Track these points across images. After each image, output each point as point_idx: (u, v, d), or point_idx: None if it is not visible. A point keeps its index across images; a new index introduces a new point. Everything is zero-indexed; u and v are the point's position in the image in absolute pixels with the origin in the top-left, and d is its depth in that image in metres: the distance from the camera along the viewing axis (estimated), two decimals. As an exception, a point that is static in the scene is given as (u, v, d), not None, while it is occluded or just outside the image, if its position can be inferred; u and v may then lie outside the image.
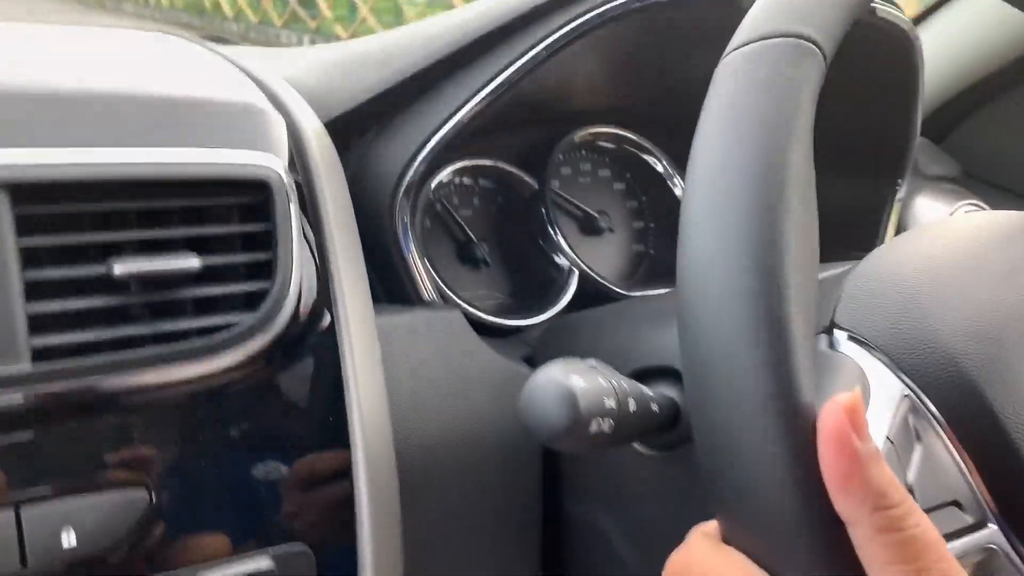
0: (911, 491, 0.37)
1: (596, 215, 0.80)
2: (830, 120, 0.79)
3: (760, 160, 0.32)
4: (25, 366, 0.40)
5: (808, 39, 0.35)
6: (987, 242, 0.47)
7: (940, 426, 0.38)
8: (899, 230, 0.85)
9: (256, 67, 0.58)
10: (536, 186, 0.75)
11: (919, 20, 0.97)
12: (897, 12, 0.69)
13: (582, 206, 0.80)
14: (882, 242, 0.81)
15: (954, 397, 0.38)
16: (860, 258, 0.48)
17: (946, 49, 0.98)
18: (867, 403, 0.39)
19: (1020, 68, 0.94)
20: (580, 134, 0.78)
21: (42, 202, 0.41)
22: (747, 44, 0.35)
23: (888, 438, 0.38)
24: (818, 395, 0.37)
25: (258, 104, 0.51)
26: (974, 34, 0.96)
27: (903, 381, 0.39)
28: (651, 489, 0.53)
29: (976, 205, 0.91)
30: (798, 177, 0.33)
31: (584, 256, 0.75)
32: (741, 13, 0.39)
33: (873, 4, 0.66)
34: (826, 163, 0.81)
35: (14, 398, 0.40)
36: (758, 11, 0.37)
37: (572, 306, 0.73)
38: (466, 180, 0.75)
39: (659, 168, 0.81)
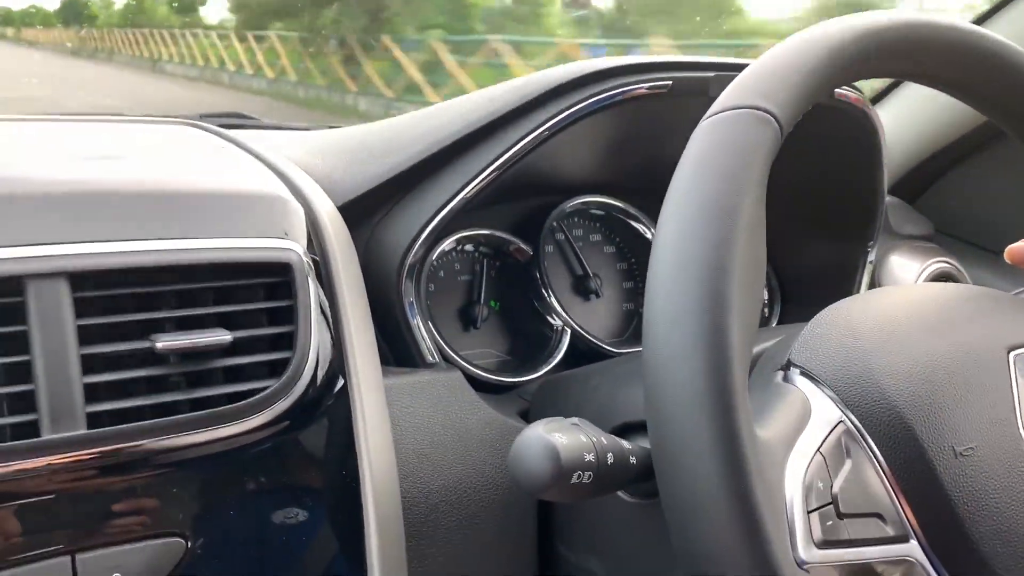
0: (835, 499, 0.43)
1: (589, 277, 0.86)
2: (805, 189, 0.87)
3: (715, 207, 0.40)
4: (82, 431, 0.46)
5: (766, 111, 0.42)
6: (926, 304, 0.53)
7: (870, 449, 0.44)
8: (874, 288, 0.91)
9: (273, 155, 0.65)
10: (531, 252, 0.82)
11: (889, 90, 1.04)
12: (856, 94, 0.76)
13: (575, 268, 0.86)
14: None
15: (886, 427, 0.44)
16: None
17: (918, 114, 1.04)
18: (805, 424, 0.45)
19: (986, 133, 1.00)
20: (572, 203, 0.84)
21: (95, 288, 0.48)
22: (717, 114, 0.43)
23: (820, 451, 0.44)
24: (765, 413, 0.45)
25: (279, 194, 0.58)
26: (943, 101, 1.03)
27: (842, 410, 0.45)
28: (634, 533, 0.59)
29: (947, 262, 0.97)
30: (746, 221, 0.40)
31: (577, 316, 0.82)
32: (709, 102, 0.46)
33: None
34: (803, 228, 0.89)
35: (72, 458, 0.46)
36: (731, 89, 0.44)
37: (566, 363, 0.79)
38: (468, 247, 0.81)
39: (647, 234, 0.88)
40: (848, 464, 0.44)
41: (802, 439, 0.43)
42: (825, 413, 0.45)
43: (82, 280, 0.48)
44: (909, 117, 1.03)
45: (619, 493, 0.58)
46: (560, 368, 0.78)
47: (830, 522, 0.42)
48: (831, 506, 0.42)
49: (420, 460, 0.59)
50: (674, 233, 0.40)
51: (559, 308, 0.80)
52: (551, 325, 0.81)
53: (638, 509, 0.58)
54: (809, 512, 0.41)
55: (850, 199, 0.85)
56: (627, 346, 0.83)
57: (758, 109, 0.41)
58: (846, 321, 0.50)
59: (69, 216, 0.50)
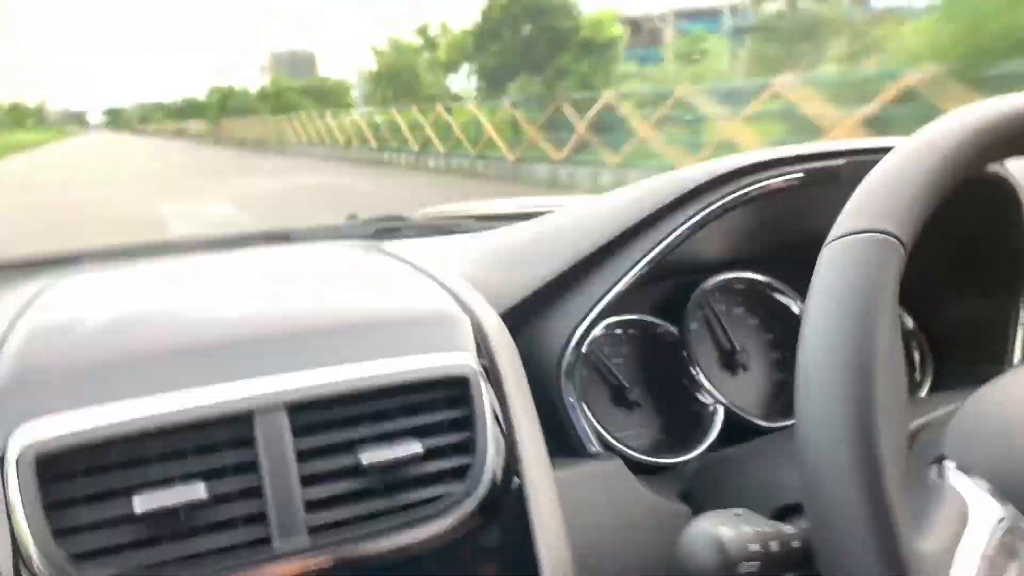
0: None
1: (736, 351, 0.89)
2: (946, 246, 0.86)
3: (853, 343, 0.42)
4: (304, 540, 0.54)
5: (888, 233, 0.44)
6: None
7: None
8: None
9: (438, 269, 0.72)
10: (676, 332, 0.85)
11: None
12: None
13: (722, 343, 0.89)
14: (1012, 356, 0.86)
15: None
16: (993, 373, 0.56)
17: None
18: (965, 527, 0.46)
19: None
20: (713, 281, 0.88)
21: (309, 413, 0.56)
22: (841, 237, 0.46)
23: (984, 556, 0.44)
24: (923, 519, 0.46)
25: (451, 310, 0.65)
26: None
27: (1002, 506, 0.45)
28: None
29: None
30: (884, 349, 0.42)
31: (727, 391, 0.84)
32: (844, 185, 0.48)
33: None
34: (948, 285, 0.88)
35: (299, 566, 0.53)
36: (850, 208, 0.47)
37: (721, 438, 0.82)
38: (616, 331, 0.86)
39: (792, 307, 0.90)
40: (1015, 566, 0.44)
41: (964, 544, 0.44)
42: (985, 512, 0.45)
43: (298, 408, 0.56)
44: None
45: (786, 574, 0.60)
46: (715, 446, 0.81)
47: None
48: None
49: (592, 550, 0.64)
50: (818, 379, 0.43)
51: (709, 386, 0.83)
52: (702, 403, 0.84)
53: None
54: None
55: (995, 254, 0.84)
56: (779, 419, 0.85)
57: (880, 232, 0.44)
58: (998, 407, 0.51)
59: (281, 351, 0.58)
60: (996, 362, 0.86)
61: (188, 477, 0.53)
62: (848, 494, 0.40)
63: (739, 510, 0.53)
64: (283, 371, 0.57)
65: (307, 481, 0.55)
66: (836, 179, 0.71)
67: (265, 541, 0.53)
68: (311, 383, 0.56)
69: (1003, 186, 0.79)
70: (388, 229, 1.01)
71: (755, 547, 0.50)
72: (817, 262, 0.46)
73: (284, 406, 0.55)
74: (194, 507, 0.52)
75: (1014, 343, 0.86)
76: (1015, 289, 0.85)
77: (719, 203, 0.70)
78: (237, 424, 0.54)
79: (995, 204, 0.81)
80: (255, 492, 0.54)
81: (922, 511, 0.46)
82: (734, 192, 0.71)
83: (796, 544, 0.54)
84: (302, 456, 0.55)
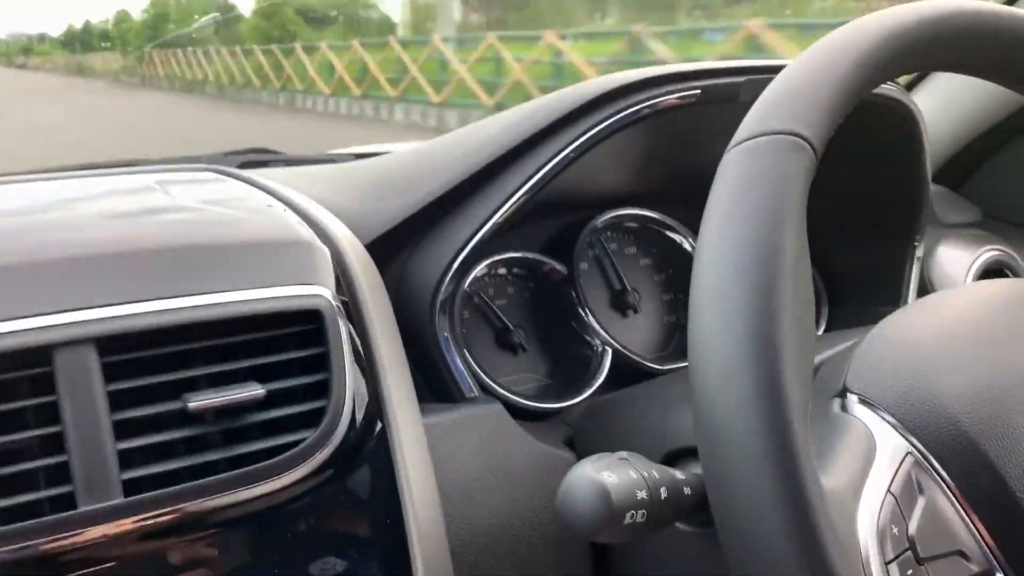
0: (912, 542, 0.40)
1: (627, 291, 0.84)
2: (844, 184, 0.83)
3: (756, 249, 0.37)
4: (118, 500, 0.45)
5: (799, 135, 0.39)
6: (989, 309, 0.50)
7: (943, 481, 0.41)
8: (923, 283, 0.88)
9: (298, 196, 0.64)
10: (565, 271, 0.79)
11: (923, 75, 1.00)
12: (892, 85, 0.73)
13: (613, 284, 0.84)
14: (906, 298, 0.84)
15: (956, 454, 0.41)
16: (885, 315, 0.52)
17: (957, 98, 1.01)
18: (872, 462, 0.42)
19: (1031, 111, 0.96)
20: (604, 218, 0.82)
21: (123, 351, 0.47)
22: (746, 140, 0.40)
23: (890, 492, 0.41)
24: (827, 454, 0.42)
25: (305, 238, 0.56)
26: (983, 82, 0.99)
27: (908, 440, 0.42)
28: (693, 564, 0.57)
29: (999, 250, 0.93)
30: (791, 260, 0.37)
31: (617, 333, 0.79)
32: (741, 108, 0.43)
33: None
34: (846, 225, 0.85)
35: (110, 529, 0.45)
36: (756, 111, 0.41)
37: (609, 383, 0.76)
38: (500, 270, 0.79)
39: (684, 245, 0.85)
40: (921, 501, 0.41)
41: (870, 480, 0.41)
42: (890, 446, 0.42)
43: (110, 344, 0.47)
44: (947, 101, 0.99)
45: (676, 524, 0.56)
46: (603, 390, 0.76)
47: (910, 571, 0.39)
48: (909, 552, 0.39)
49: (467, 501, 0.58)
50: (715, 284, 0.38)
51: (597, 327, 0.78)
52: (591, 345, 0.79)
53: (695, 538, 0.55)
54: (887, 563, 0.38)
55: (893, 192, 0.81)
56: (671, 362, 0.81)
57: (789, 134, 0.39)
58: (902, 338, 0.47)
59: (92, 279, 0.49)
60: (890, 303, 0.84)
61: None
62: (746, 424, 0.35)
63: (624, 453, 0.48)
64: (96, 302, 0.48)
65: (122, 430, 0.46)
66: (735, 99, 0.66)
67: (69, 499, 0.45)
68: (127, 314, 0.48)
69: (906, 119, 0.75)
70: (254, 162, 0.91)
71: (642, 494, 0.45)
72: (718, 170, 0.40)
73: (91, 340, 0.46)
74: None
75: (908, 284, 0.84)
76: (912, 229, 0.83)
77: (607, 122, 0.64)
78: (33, 361, 0.45)
79: (896, 140, 0.77)
80: (57, 443, 0.45)
81: (826, 446, 0.42)
82: (623, 110, 0.64)
83: (687, 491, 0.49)
84: (116, 400, 0.46)
